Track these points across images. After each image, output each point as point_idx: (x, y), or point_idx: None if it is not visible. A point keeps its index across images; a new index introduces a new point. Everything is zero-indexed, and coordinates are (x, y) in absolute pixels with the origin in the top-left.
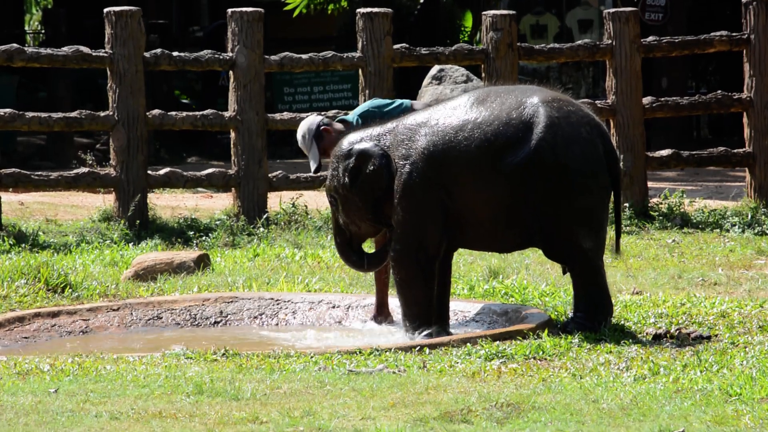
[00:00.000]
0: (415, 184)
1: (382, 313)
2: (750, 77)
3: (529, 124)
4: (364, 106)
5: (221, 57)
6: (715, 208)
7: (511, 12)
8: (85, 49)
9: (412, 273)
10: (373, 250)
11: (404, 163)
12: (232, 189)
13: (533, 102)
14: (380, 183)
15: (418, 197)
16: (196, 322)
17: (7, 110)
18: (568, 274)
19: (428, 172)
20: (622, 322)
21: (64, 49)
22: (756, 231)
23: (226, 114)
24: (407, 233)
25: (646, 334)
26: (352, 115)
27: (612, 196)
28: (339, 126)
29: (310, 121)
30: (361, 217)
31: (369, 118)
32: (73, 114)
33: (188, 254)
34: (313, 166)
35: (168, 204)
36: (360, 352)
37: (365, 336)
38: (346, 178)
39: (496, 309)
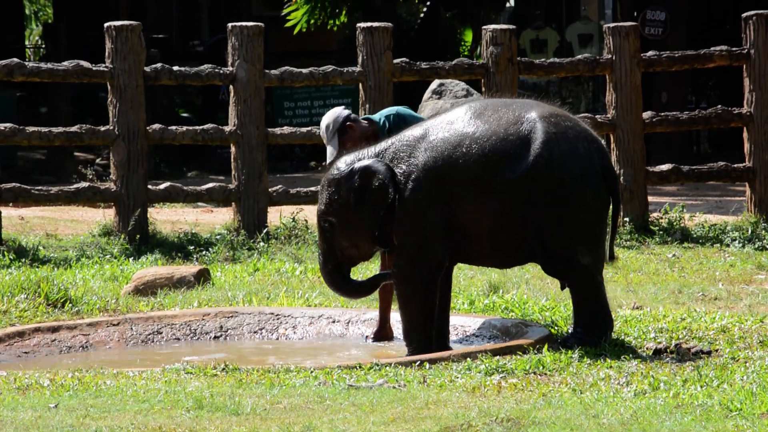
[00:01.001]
0: (418, 200)
1: (384, 331)
2: (750, 92)
3: (526, 140)
4: (391, 109)
5: (221, 71)
6: (716, 223)
7: (511, 27)
8: (86, 64)
9: (415, 289)
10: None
11: (406, 180)
12: (233, 203)
13: (531, 117)
14: (387, 198)
15: (421, 213)
16: (196, 337)
17: (8, 125)
18: (567, 289)
19: (430, 188)
20: (623, 337)
21: (65, 63)
22: (756, 246)
23: (227, 128)
24: (411, 249)
25: (647, 349)
26: (379, 115)
27: (611, 212)
28: (364, 123)
29: (337, 113)
30: (365, 238)
31: (396, 124)
32: (74, 128)
33: (188, 269)
34: (330, 158)
35: (168, 218)
36: (360, 367)
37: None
38: (351, 198)
39: (497, 324)
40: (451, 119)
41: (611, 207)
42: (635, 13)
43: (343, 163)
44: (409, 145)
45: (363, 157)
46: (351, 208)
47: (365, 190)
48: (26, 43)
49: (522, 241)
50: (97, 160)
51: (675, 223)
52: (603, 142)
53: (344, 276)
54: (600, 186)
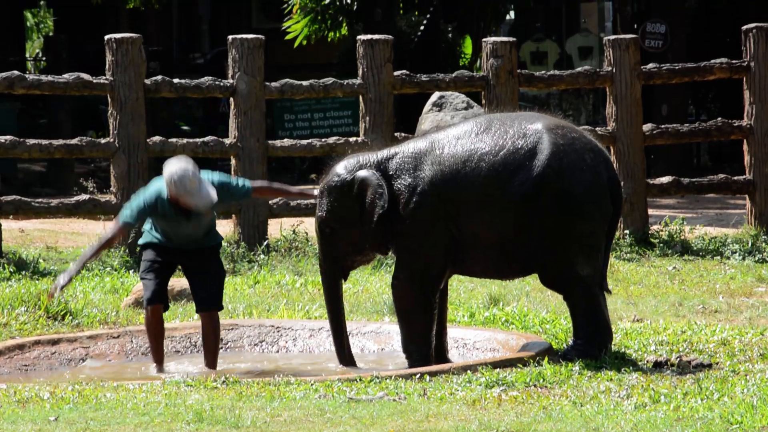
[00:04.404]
0: (423, 215)
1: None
2: (750, 104)
3: (534, 152)
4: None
5: (222, 84)
6: (716, 236)
7: (511, 39)
8: (86, 76)
9: (415, 302)
10: None
11: (411, 194)
12: (233, 216)
13: (537, 129)
14: (375, 215)
15: (425, 228)
16: (197, 350)
17: (8, 137)
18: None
19: (436, 204)
20: (623, 350)
21: (65, 76)
22: (756, 258)
23: (227, 141)
24: (413, 263)
25: (647, 361)
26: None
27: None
28: None
29: (186, 163)
30: (364, 245)
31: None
32: (74, 141)
33: None
34: (214, 196)
35: None
36: (360, 380)
37: None
38: (356, 207)
39: (497, 337)
40: (457, 134)
41: (610, 219)
42: (635, 26)
43: (344, 170)
44: (414, 157)
45: (365, 165)
46: (353, 216)
47: (363, 201)
48: (27, 55)
49: (525, 252)
50: (97, 173)
51: (675, 236)
52: (607, 153)
53: (338, 282)
54: (606, 197)
